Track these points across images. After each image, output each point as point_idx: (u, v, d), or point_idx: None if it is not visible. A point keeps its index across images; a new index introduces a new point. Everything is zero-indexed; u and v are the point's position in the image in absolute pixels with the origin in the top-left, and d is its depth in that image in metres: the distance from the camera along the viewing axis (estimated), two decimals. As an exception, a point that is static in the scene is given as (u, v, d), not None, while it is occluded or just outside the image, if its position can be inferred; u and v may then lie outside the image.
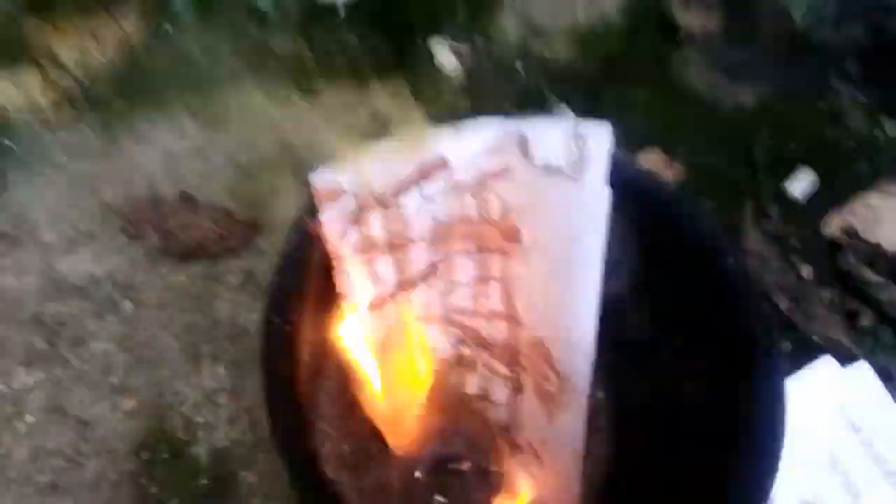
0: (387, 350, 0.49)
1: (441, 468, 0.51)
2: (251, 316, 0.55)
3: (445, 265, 0.48)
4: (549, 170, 0.41)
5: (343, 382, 0.53)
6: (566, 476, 0.45)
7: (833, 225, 0.68)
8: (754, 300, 0.40)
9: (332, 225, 0.41)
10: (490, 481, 0.51)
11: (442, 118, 0.69)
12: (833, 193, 0.69)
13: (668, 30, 0.78)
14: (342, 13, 0.73)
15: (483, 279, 0.48)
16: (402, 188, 0.42)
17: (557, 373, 0.41)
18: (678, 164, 0.70)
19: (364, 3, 0.75)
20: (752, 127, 0.72)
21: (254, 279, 0.58)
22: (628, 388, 0.54)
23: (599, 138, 0.40)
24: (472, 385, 0.52)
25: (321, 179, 0.40)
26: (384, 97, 0.70)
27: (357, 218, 0.42)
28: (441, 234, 0.45)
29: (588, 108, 0.72)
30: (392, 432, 0.50)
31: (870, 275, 0.64)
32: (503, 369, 0.50)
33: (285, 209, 0.62)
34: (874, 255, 0.65)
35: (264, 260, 0.59)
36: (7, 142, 0.63)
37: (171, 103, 0.66)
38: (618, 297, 0.46)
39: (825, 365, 0.59)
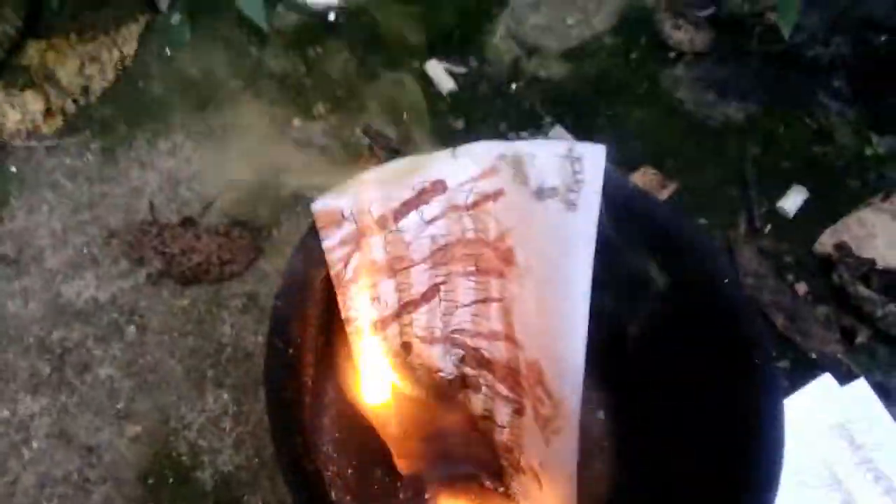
0: (391, 371, 0.50)
1: (448, 490, 0.51)
2: (255, 339, 0.56)
3: (447, 286, 0.48)
4: (544, 191, 0.42)
5: (347, 405, 0.54)
6: (563, 499, 0.45)
7: (826, 242, 0.68)
8: (751, 317, 0.41)
9: (333, 251, 0.42)
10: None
11: (438, 139, 0.70)
12: (825, 210, 0.69)
13: (659, 48, 0.79)
14: (337, 32, 0.74)
15: (484, 300, 0.49)
16: (401, 212, 0.43)
17: (550, 396, 0.42)
18: (672, 181, 0.71)
19: (359, 24, 0.76)
20: (743, 144, 0.73)
21: (257, 302, 0.58)
22: (629, 407, 0.54)
23: (594, 159, 0.41)
24: (477, 405, 0.52)
25: (321, 207, 0.41)
26: (381, 117, 0.71)
27: (358, 243, 0.43)
28: (441, 256, 0.46)
29: (582, 127, 0.73)
30: (398, 453, 0.50)
31: (864, 291, 0.65)
32: (505, 390, 0.51)
33: (286, 231, 0.63)
34: (868, 271, 0.66)
35: (267, 282, 0.59)
36: (9, 166, 0.64)
37: (170, 125, 0.67)
38: (615, 318, 0.47)
39: (824, 383, 0.59)
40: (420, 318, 0.49)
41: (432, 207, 0.44)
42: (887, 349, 0.62)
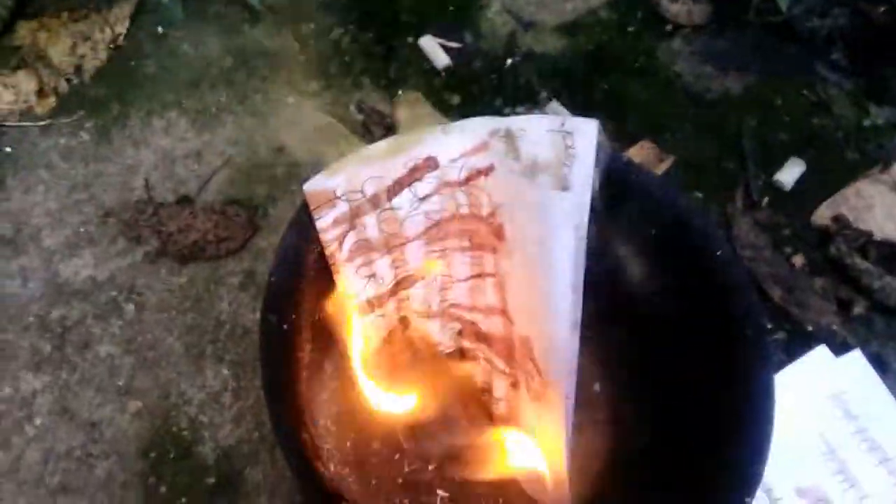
0: (390, 345, 0.50)
1: (451, 461, 0.52)
2: (253, 315, 0.56)
3: (442, 261, 0.49)
4: (537, 166, 0.42)
5: (345, 380, 0.54)
6: (555, 471, 0.46)
7: (824, 214, 0.68)
8: (745, 289, 0.41)
9: (327, 231, 0.42)
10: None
11: (433, 114, 0.69)
12: (823, 182, 0.69)
13: (656, 21, 0.79)
14: (330, 9, 0.74)
15: (479, 275, 0.49)
16: (394, 189, 0.43)
17: (540, 371, 0.42)
18: (669, 155, 0.70)
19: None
20: (741, 117, 0.73)
21: (254, 279, 0.59)
22: (626, 379, 0.55)
23: (586, 134, 0.41)
24: (476, 378, 0.53)
25: (313, 187, 0.41)
26: (376, 95, 0.71)
27: (352, 222, 0.43)
28: (436, 232, 0.46)
29: (578, 101, 0.73)
30: (402, 427, 0.51)
31: (861, 263, 0.65)
32: (502, 364, 0.51)
33: (283, 208, 0.63)
34: (865, 243, 0.66)
35: (264, 259, 0.60)
36: (3, 146, 0.64)
37: (165, 104, 0.67)
38: (611, 289, 0.48)
39: (820, 354, 0.60)
40: (417, 294, 0.50)
41: (425, 184, 0.44)
42: (884, 320, 0.63)
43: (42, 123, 0.64)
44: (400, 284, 0.49)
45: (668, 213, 0.43)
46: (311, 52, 0.72)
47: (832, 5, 0.78)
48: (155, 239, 0.59)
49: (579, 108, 0.73)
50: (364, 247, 0.45)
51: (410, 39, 0.74)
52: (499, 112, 0.71)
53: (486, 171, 0.43)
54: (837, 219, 0.68)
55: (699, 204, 0.67)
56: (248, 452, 0.52)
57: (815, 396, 0.58)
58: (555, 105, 0.73)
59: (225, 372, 0.55)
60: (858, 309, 0.64)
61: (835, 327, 0.63)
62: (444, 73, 0.73)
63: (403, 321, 0.51)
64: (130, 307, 0.57)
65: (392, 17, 0.76)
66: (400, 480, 0.52)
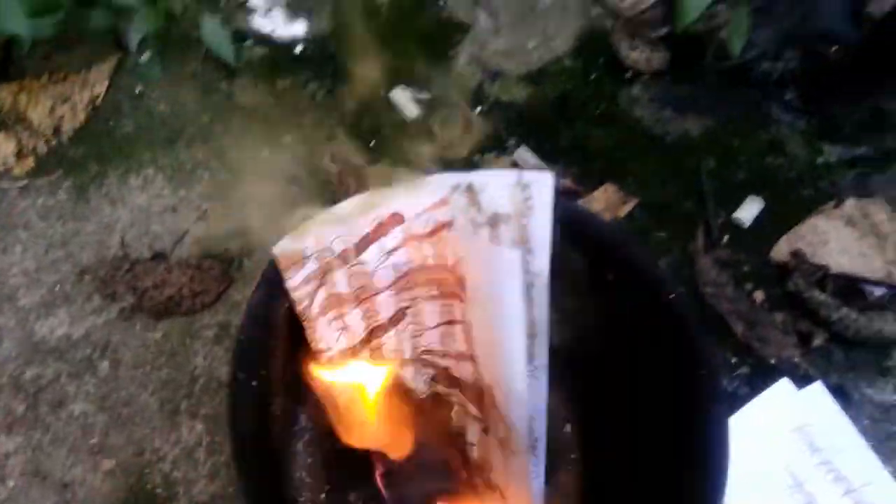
0: (365, 394, 0.51)
1: None
2: (227, 368, 0.57)
3: (412, 310, 0.50)
4: (499, 218, 0.44)
5: (320, 431, 0.55)
6: None
7: (782, 249, 0.70)
8: (697, 332, 0.43)
9: (298, 289, 0.44)
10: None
11: (404, 163, 0.72)
12: (780, 219, 0.71)
13: (617, 69, 0.82)
14: (304, 63, 0.76)
15: (449, 321, 0.50)
16: (362, 245, 0.45)
17: (503, 418, 0.44)
18: (632, 198, 0.73)
19: (325, 54, 0.78)
20: (700, 158, 0.76)
21: (228, 331, 0.60)
22: (594, 421, 0.56)
23: (543, 186, 0.43)
24: (452, 422, 0.54)
25: (283, 249, 0.43)
26: (350, 146, 0.73)
27: (322, 278, 0.45)
28: (405, 282, 0.48)
29: (545, 148, 0.75)
30: (378, 473, 0.51)
31: (819, 296, 0.67)
32: (474, 409, 0.52)
33: (258, 260, 0.64)
34: (823, 276, 0.68)
35: (238, 311, 0.60)
36: (-19, 207, 0.65)
37: (142, 162, 0.68)
38: (572, 334, 0.49)
39: (782, 388, 0.61)
40: (389, 342, 0.51)
41: (391, 238, 0.46)
42: (842, 352, 0.65)
43: (20, 184, 0.65)
44: (372, 334, 0.50)
45: (622, 257, 0.45)
46: (287, 105, 0.75)
47: (785, 48, 0.82)
48: (130, 295, 0.60)
49: (546, 154, 0.75)
50: (335, 301, 0.47)
51: (382, 92, 0.77)
52: (469, 160, 0.74)
53: (449, 225, 0.45)
54: (795, 254, 0.70)
55: (657, 240, 0.69)
56: (223, 507, 0.52)
57: (780, 430, 0.60)
58: (522, 151, 0.76)
59: (199, 427, 0.55)
60: (818, 341, 0.65)
61: (796, 360, 0.65)
62: (414, 126, 0.76)
63: (377, 368, 0.52)
64: (105, 364, 0.57)
65: (365, 71, 0.79)
66: (377, 531, 0.52)
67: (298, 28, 0.80)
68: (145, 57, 0.73)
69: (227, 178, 0.69)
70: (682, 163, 0.76)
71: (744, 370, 0.64)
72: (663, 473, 0.44)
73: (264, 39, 0.79)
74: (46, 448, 0.53)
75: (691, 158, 0.76)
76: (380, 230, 0.45)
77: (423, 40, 0.82)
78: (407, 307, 0.50)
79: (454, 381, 0.53)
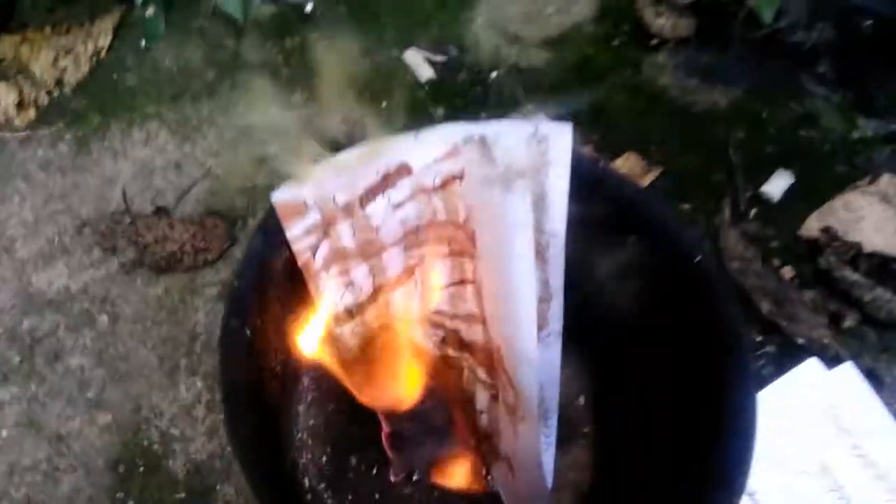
0: (372, 353, 0.49)
1: (436, 472, 0.50)
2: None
3: (422, 268, 0.48)
4: (512, 173, 0.41)
5: (323, 393, 0.53)
6: (535, 489, 0.44)
7: (812, 225, 0.67)
8: (725, 297, 0.40)
9: (299, 241, 0.41)
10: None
11: (416, 126, 0.69)
12: (811, 194, 0.68)
13: (641, 36, 0.79)
14: (315, 22, 0.74)
15: (460, 281, 0.48)
16: (367, 198, 0.42)
17: (512, 383, 0.41)
18: (655, 167, 0.70)
19: (336, 13, 0.75)
20: (727, 129, 0.73)
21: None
22: (610, 393, 0.54)
23: (561, 139, 0.41)
24: (461, 387, 0.52)
25: (282, 197, 0.40)
26: (359, 107, 0.70)
27: (325, 230, 0.43)
28: (413, 239, 0.45)
29: (563, 115, 0.72)
30: (384, 434, 0.49)
31: (852, 275, 0.64)
32: (483, 374, 0.50)
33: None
34: (855, 255, 0.65)
35: (242, 271, 0.59)
36: (-17, 158, 0.63)
37: (146, 116, 0.66)
38: (590, 299, 0.47)
39: (811, 368, 0.58)
40: (397, 300, 0.48)
41: (399, 191, 0.43)
42: (875, 333, 0.61)
43: (21, 135, 0.63)
44: (379, 292, 0.48)
45: (643, 217, 0.43)
46: (296, 65, 0.72)
47: (817, 18, 0.79)
48: (131, 250, 0.58)
49: (565, 121, 0.72)
50: (339, 255, 0.44)
51: (395, 53, 0.75)
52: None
53: (460, 177, 0.42)
54: (826, 231, 0.67)
55: (682, 212, 0.66)
56: (221, 468, 0.50)
57: (807, 411, 0.57)
58: (541, 117, 0.72)
59: (198, 384, 0.53)
60: (849, 322, 0.62)
61: (826, 340, 0.62)
62: (427, 86, 0.73)
63: (384, 328, 0.50)
64: (104, 318, 0.55)
65: (378, 31, 0.76)
66: (377, 496, 0.50)
67: (310, -14, 0.77)
68: (150, 11, 0.71)
69: (234, 136, 0.67)
70: (708, 133, 0.73)
71: (769, 349, 0.62)
72: (683, 449, 0.41)
73: (275, -3, 0.76)
74: (42, 399, 0.52)
75: (718, 129, 0.73)
76: (386, 182, 0.42)
77: (439, 1, 0.79)
78: (416, 265, 0.47)
79: (465, 345, 0.50)
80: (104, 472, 0.49)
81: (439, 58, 0.74)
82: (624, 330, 0.49)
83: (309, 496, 0.49)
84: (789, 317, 0.63)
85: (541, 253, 0.46)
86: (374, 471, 0.51)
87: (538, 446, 0.43)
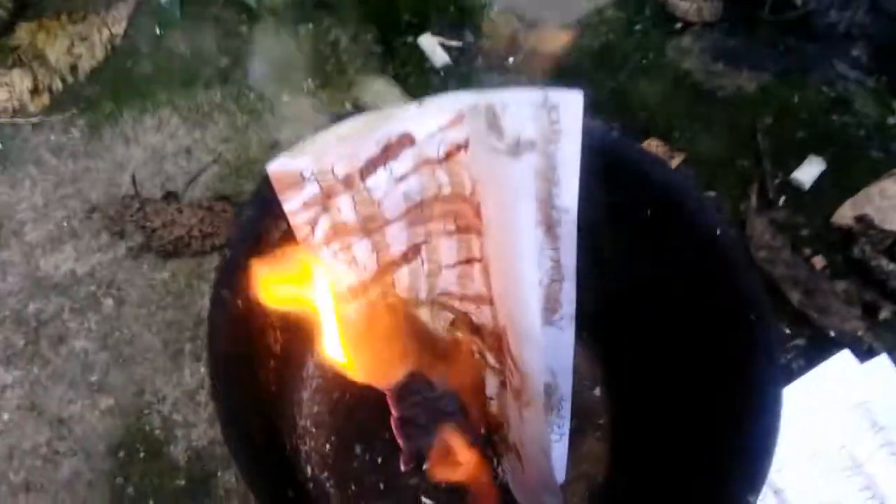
0: (378, 334, 0.47)
1: (445, 461, 0.48)
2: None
3: (428, 246, 0.46)
4: (521, 145, 0.39)
5: (329, 379, 0.52)
6: (544, 480, 0.42)
7: (846, 213, 0.65)
8: (746, 270, 0.37)
9: (297, 214, 0.40)
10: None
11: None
12: (844, 181, 0.66)
13: (665, 19, 0.76)
14: (329, 9, 0.73)
15: (467, 260, 0.45)
16: (368, 170, 0.40)
17: (517, 365, 0.38)
18: (679, 153, 0.67)
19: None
20: (755, 115, 0.70)
21: (238, 276, 0.56)
22: (626, 383, 0.51)
23: (572, 107, 0.38)
24: (472, 373, 0.49)
25: (278, 168, 0.38)
26: (374, 94, 0.69)
27: (324, 204, 0.41)
28: (418, 214, 0.43)
29: (585, 100, 0.70)
30: (393, 419, 0.47)
31: (889, 265, 0.61)
32: (492, 359, 0.48)
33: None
34: (891, 244, 0.62)
35: (250, 257, 0.57)
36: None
37: (158, 103, 0.66)
38: (608, 281, 0.44)
39: (843, 360, 0.55)
40: (402, 279, 0.46)
41: (401, 163, 0.41)
42: (913, 326, 0.58)
43: (34, 120, 0.64)
44: (384, 270, 0.46)
45: (662, 191, 0.40)
46: (309, 51, 0.72)
47: (851, 1, 0.75)
48: (139, 234, 0.57)
49: (585, 106, 0.70)
50: (340, 230, 0.42)
51: (410, 39, 0.73)
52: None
53: (465, 146, 0.40)
54: (861, 219, 0.64)
55: (692, 180, 0.63)
56: (222, 455, 0.49)
57: (839, 405, 0.54)
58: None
59: (202, 370, 0.52)
60: (885, 314, 0.59)
61: (859, 333, 0.59)
62: (443, 72, 0.72)
63: (391, 309, 0.48)
64: (109, 302, 0.55)
65: (393, 17, 0.75)
66: (382, 486, 0.48)
67: (324, -28, 0.77)
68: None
69: (244, 122, 0.66)
70: (735, 118, 0.70)
71: (799, 341, 0.59)
72: (703, 434, 0.38)
73: (290, -16, 0.76)
74: (44, 383, 0.51)
75: (745, 114, 0.70)
76: (387, 153, 0.40)
77: (455, -14, 0.78)
78: (422, 243, 0.45)
79: (474, 328, 0.48)
80: (105, 457, 0.48)
81: (455, 43, 0.73)
82: (640, 316, 0.47)
83: (311, 485, 0.47)
84: (821, 308, 0.60)
85: (552, 230, 0.43)
86: (380, 460, 0.49)
87: (546, 435, 0.40)
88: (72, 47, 0.65)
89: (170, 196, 0.60)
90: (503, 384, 0.47)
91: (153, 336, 0.54)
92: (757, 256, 0.62)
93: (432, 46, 0.72)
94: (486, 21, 0.76)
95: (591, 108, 0.40)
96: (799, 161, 0.67)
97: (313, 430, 0.50)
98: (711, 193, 0.66)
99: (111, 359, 0.52)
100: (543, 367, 0.38)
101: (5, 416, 0.50)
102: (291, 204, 0.39)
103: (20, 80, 0.63)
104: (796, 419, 0.52)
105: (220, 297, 0.34)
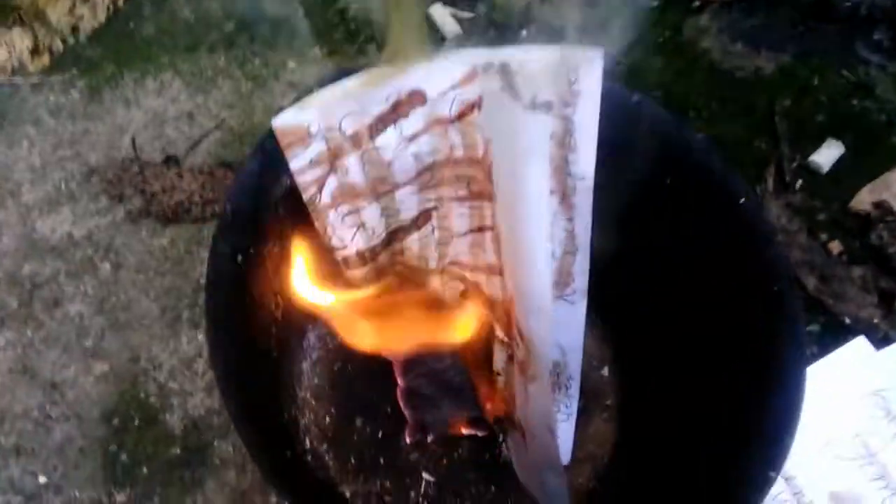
0: (386, 303, 0.45)
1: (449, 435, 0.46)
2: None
3: (439, 213, 0.44)
4: (537, 106, 0.37)
5: (330, 350, 0.50)
6: (548, 459, 0.40)
7: (864, 199, 0.63)
8: (770, 240, 0.35)
9: (304, 172, 0.38)
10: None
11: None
12: (863, 166, 0.64)
13: (683, -4, 0.74)
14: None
15: (479, 228, 0.43)
16: (377, 127, 0.38)
17: (522, 335, 0.37)
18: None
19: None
20: (773, 96, 0.68)
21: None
22: (636, 362, 0.50)
23: (591, 66, 0.37)
24: (481, 346, 0.48)
25: (284, 122, 0.36)
26: (380, 62, 0.67)
27: (332, 163, 0.39)
28: (429, 178, 0.42)
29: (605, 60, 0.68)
30: (399, 390, 0.46)
31: (905, 252, 0.59)
32: (501, 332, 0.46)
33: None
34: (911, 231, 0.60)
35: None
36: (-7, 103, 0.62)
37: (160, 66, 0.64)
38: (617, 254, 0.43)
39: (858, 348, 0.54)
40: (412, 247, 0.45)
41: (412, 122, 0.39)
42: (931, 313, 0.56)
43: (33, 81, 0.62)
44: (394, 236, 0.44)
45: (684, 156, 0.38)
46: (317, 19, 0.70)
47: (874, -19, 0.73)
48: (138, 198, 0.56)
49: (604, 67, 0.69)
50: (348, 192, 0.41)
51: (422, 9, 0.71)
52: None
53: (478, 105, 0.38)
54: (880, 205, 0.63)
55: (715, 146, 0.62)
56: (219, 424, 0.48)
57: (853, 393, 0.53)
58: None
59: (200, 338, 0.51)
60: (903, 302, 0.57)
61: (875, 320, 0.57)
62: (453, 43, 0.70)
63: (400, 276, 0.46)
64: (106, 266, 0.53)
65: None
66: (382, 461, 0.47)
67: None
68: (172, -38, 0.69)
69: (249, 88, 0.64)
70: (752, 100, 0.68)
71: (814, 328, 0.57)
72: (721, 410, 0.37)
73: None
74: (38, 346, 0.50)
75: (763, 95, 0.68)
76: (398, 110, 0.38)
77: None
78: (433, 208, 0.43)
79: (485, 300, 0.46)
80: (98, 423, 0.47)
81: (466, 14, 0.71)
82: (654, 291, 0.45)
83: (309, 457, 0.46)
84: (836, 294, 0.59)
85: (567, 198, 0.42)
86: (380, 434, 0.47)
87: (551, 411, 0.39)
88: (73, 8, 0.64)
89: (170, 160, 0.58)
90: (510, 358, 0.45)
91: (150, 302, 0.52)
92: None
93: (443, 17, 0.70)
94: (499, -7, 0.74)
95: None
96: (817, 144, 0.65)
97: (313, 401, 0.48)
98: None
99: (107, 324, 0.51)
100: (551, 341, 0.36)
101: (-4, 379, 0.48)
102: (298, 161, 0.38)
103: (20, 40, 0.61)
104: (809, 406, 0.50)
105: (219, 252, 0.32)
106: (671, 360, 0.44)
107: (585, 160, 0.40)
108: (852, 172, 0.64)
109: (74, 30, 0.64)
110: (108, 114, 0.61)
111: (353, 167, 0.40)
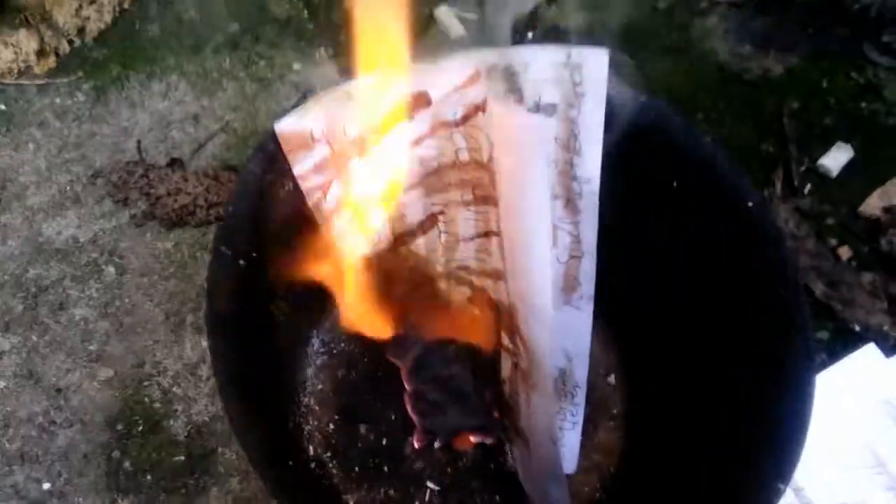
0: (392, 306, 0.45)
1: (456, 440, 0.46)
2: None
3: (445, 217, 0.43)
4: (541, 108, 0.37)
5: (334, 357, 0.50)
6: (551, 469, 0.40)
7: (874, 204, 0.62)
8: (778, 243, 0.35)
9: (308, 178, 0.38)
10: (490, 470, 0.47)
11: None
12: (873, 170, 0.63)
13: (691, -3, 0.74)
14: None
15: (485, 233, 0.43)
16: (381, 131, 0.38)
17: (525, 343, 0.36)
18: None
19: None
20: (782, 99, 0.67)
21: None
22: (643, 370, 0.49)
23: (596, 67, 0.36)
24: (488, 354, 0.47)
25: (286, 127, 0.36)
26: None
27: (336, 169, 0.39)
28: (435, 182, 0.41)
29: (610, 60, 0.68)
30: (406, 394, 0.45)
31: (918, 259, 0.58)
32: (507, 339, 0.46)
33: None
34: (921, 236, 0.60)
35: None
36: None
37: (166, 68, 0.64)
38: (623, 260, 0.42)
39: (867, 355, 0.53)
40: (419, 250, 0.44)
41: (417, 125, 0.39)
42: (942, 321, 0.56)
43: (39, 82, 0.62)
44: (400, 240, 0.44)
45: (691, 159, 0.38)
46: (322, 20, 0.69)
47: (885, -17, 0.72)
48: (143, 201, 0.56)
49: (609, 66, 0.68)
50: (353, 197, 0.40)
51: (427, 11, 0.71)
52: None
53: (483, 107, 0.38)
54: (890, 209, 0.62)
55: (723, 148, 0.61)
56: (223, 430, 0.48)
57: (863, 401, 0.52)
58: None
59: (204, 343, 0.50)
60: (913, 307, 0.57)
61: (885, 327, 0.56)
62: (458, 44, 0.69)
63: (407, 281, 0.46)
64: (111, 270, 0.53)
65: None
66: (387, 469, 0.47)
67: (340, -61, 0.74)
68: (178, -37, 0.69)
69: (254, 90, 0.64)
70: (760, 101, 0.67)
71: (823, 335, 0.56)
72: (727, 427, 0.36)
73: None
74: (42, 350, 0.50)
75: (772, 98, 0.68)
76: (402, 112, 0.38)
77: (476, -41, 0.75)
78: (439, 213, 0.43)
79: (492, 305, 0.46)
80: (102, 429, 0.47)
81: (472, 16, 0.71)
82: (660, 296, 0.44)
83: (313, 465, 0.45)
84: (845, 301, 0.58)
85: (572, 202, 0.41)
86: (384, 442, 0.47)
87: (553, 421, 0.38)
88: (80, 9, 0.63)
89: (175, 163, 0.58)
90: (515, 366, 0.45)
91: (154, 307, 0.52)
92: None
93: (449, 18, 0.70)
94: (505, -5, 0.73)
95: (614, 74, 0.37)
96: (826, 148, 0.65)
97: (317, 408, 0.48)
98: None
99: (111, 328, 0.51)
100: (553, 349, 0.36)
101: (1, 384, 0.48)
102: (302, 166, 0.37)
103: (26, 42, 0.61)
104: (818, 415, 0.50)
105: (221, 254, 0.32)
106: (678, 368, 0.44)
107: (591, 163, 0.40)
108: (861, 176, 0.63)
109: (80, 31, 0.64)
110: (114, 116, 0.60)
111: (357, 171, 0.39)
